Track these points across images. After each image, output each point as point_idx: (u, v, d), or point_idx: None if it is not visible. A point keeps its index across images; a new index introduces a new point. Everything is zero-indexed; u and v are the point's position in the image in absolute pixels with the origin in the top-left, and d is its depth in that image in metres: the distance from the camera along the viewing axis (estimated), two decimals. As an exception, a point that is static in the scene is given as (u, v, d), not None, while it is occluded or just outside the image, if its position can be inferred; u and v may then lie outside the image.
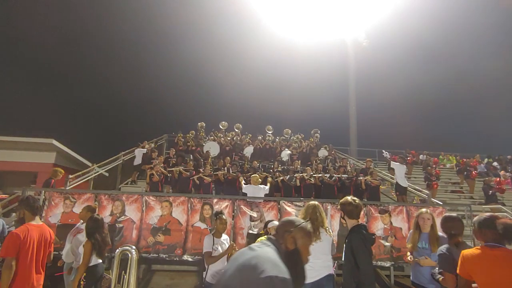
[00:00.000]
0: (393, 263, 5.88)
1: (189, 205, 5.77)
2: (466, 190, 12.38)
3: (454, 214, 3.34)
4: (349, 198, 3.23)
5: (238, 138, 14.06)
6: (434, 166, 13.43)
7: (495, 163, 15.52)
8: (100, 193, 5.85)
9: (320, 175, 9.48)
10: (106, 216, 5.54)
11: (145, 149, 10.92)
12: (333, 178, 9.32)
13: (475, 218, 2.66)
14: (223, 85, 28.57)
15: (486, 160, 16.00)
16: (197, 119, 14.88)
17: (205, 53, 28.36)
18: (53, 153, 10.42)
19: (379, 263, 5.81)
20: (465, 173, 12.68)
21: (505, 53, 27.13)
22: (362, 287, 2.83)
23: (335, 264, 4.27)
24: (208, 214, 5.74)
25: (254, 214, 5.81)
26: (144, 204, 5.71)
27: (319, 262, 3.53)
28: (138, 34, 28.96)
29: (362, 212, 5.96)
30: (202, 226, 5.68)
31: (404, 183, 9.46)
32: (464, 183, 12.80)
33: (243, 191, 7.38)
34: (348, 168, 10.70)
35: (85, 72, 27.52)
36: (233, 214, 5.79)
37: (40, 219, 3.36)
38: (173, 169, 9.17)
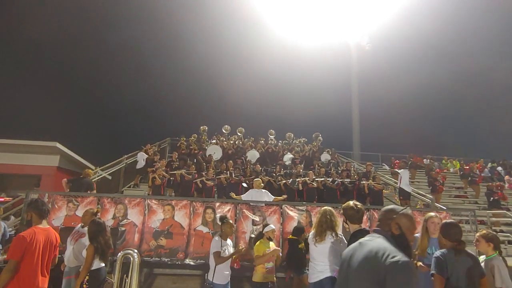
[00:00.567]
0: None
1: (191, 208, 5.77)
2: (470, 195, 12.28)
3: (453, 220, 3.32)
4: (351, 202, 3.24)
5: (241, 142, 14.07)
6: (438, 172, 13.35)
7: (499, 168, 15.39)
8: (102, 196, 5.88)
9: (322, 179, 9.45)
10: (108, 219, 5.56)
11: (147, 156, 10.93)
12: (336, 182, 9.28)
13: None
14: (226, 89, 28.69)
15: (490, 164, 15.87)
16: (199, 122, 14.93)
17: (209, 57, 28.54)
18: (57, 156, 10.46)
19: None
20: (470, 178, 12.58)
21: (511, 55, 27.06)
22: None
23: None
24: (211, 218, 5.73)
25: (257, 218, 5.80)
26: (147, 208, 5.72)
27: (321, 263, 3.56)
28: (143, 38, 29.23)
29: (365, 217, 5.95)
30: (205, 230, 5.67)
31: (408, 188, 9.42)
32: (468, 188, 12.70)
33: (243, 198, 7.22)
34: (352, 172, 10.66)
35: (89, 75, 27.77)
36: (235, 218, 5.77)
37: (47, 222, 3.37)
38: (175, 172, 9.18)
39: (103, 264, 3.98)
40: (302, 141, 14.94)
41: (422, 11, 23.07)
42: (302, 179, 9.33)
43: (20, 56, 24.44)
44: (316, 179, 9.36)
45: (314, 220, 5.76)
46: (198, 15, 27.83)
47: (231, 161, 10.67)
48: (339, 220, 4.03)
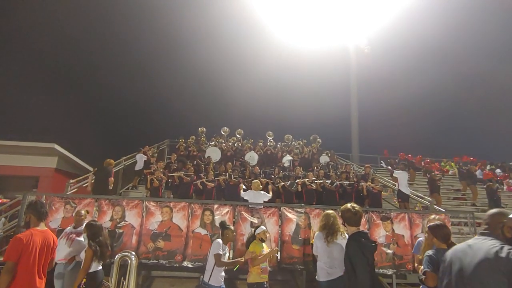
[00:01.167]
0: (395, 271, 5.81)
1: (189, 210, 5.75)
2: (468, 197, 12.29)
3: (440, 221, 3.37)
4: (348, 205, 3.30)
5: (240, 144, 14.05)
6: (436, 173, 13.37)
7: (497, 170, 15.44)
8: (100, 198, 5.84)
9: (321, 181, 9.44)
10: (106, 221, 5.53)
11: (146, 157, 10.91)
12: (335, 184, 9.26)
13: None
14: (224, 91, 28.71)
15: (488, 167, 15.91)
16: (198, 124, 14.92)
17: (208, 59, 28.54)
18: (55, 157, 10.42)
19: (381, 270, 5.74)
20: (469, 179, 12.61)
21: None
22: None
23: None
24: (209, 220, 5.71)
25: (255, 220, 5.78)
26: (145, 210, 5.69)
27: (335, 262, 3.65)
28: (141, 40, 29.25)
29: (363, 219, 5.94)
30: (203, 232, 5.65)
31: (406, 190, 9.41)
32: (467, 190, 12.71)
33: (244, 197, 7.34)
34: (350, 174, 10.65)
35: (88, 77, 27.73)
36: (233, 220, 5.76)
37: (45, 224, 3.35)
38: (174, 174, 9.16)
39: (101, 267, 3.96)
40: (301, 143, 14.94)
41: (421, 14, 23.22)
42: (301, 180, 9.31)
43: (18, 57, 24.40)
44: (315, 181, 9.35)
45: (314, 222, 5.81)
46: (197, 17, 27.89)
47: (229, 163, 10.65)
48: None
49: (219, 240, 4.30)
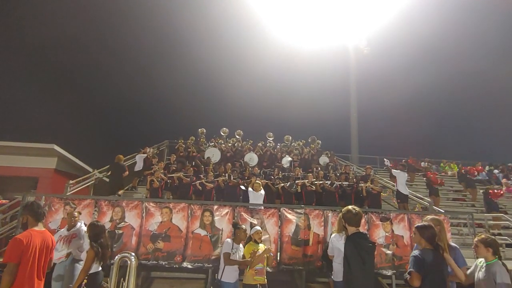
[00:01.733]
0: (394, 271, 5.81)
1: (189, 211, 5.75)
2: (468, 198, 12.31)
3: (426, 222, 3.41)
4: (350, 207, 3.39)
5: (239, 145, 14.06)
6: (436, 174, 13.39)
7: (496, 171, 15.46)
8: (100, 199, 5.85)
9: (321, 182, 9.45)
10: (105, 222, 5.52)
11: (146, 155, 10.93)
12: (334, 185, 9.27)
13: None
14: (224, 92, 28.70)
15: (488, 168, 15.93)
16: (198, 125, 14.90)
17: (208, 59, 28.55)
18: (54, 158, 10.39)
19: (380, 271, 5.75)
20: (467, 180, 12.64)
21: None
22: None
23: None
24: (209, 221, 5.71)
25: (255, 221, 5.78)
26: (144, 211, 5.70)
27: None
28: (141, 40, 29.24)
29: (363, 220, 5.95)
30: (202, 232, 5.65)
31: (405, 190, 9.41)
32: (466, 191, 12.73)
33: (250, 194, 7.38)
34: (350, 175, 10.66)
35: (87, 77, 27.71)
36: (233, 220, 5.76)
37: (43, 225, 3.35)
38: (173, 175, 9.16)
39: (100, 268, 3.97)
40: (301, 144, 14.95)
41: (420, 14, 23.25)
42: (301, 181, 9.32)
43: (18, 58, 24.37)
44: (314, 182, 9.36)
45: (313, 223, 5.82)
46: (197, 17, 27.91)
47: (229, 164, 10.66)
48: None
49: (229, 240, 4.46)
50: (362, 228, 5.89)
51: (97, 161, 11.20)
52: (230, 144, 13.90)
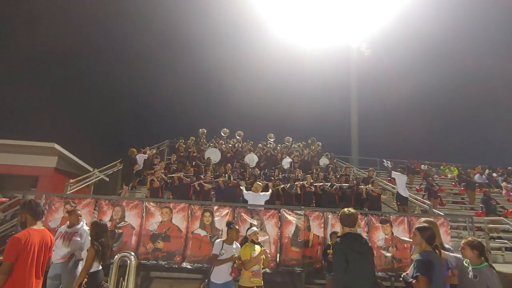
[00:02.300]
0: (394, 274, 5.81)
1: (189, 211, 5.75)
2: (467, 201, 12.31)
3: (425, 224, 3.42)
4: (345, 209, 3.45)
5: (240, 145, 14.06)
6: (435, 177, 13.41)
7: (494, 174, 15.46)
8: (100, 198, 5.84)
9: (321, 183, 9.45)
10: (105, 221, 5.51)
11: (146, 155, 10.92)
12: (334, 187, 9.28)
13: None
14: (225, 92, 28.74)
15: (487, 171, 15.93)
16: (198, 125, 14.92)
17: (209, 60, 28.59)
18: (54, 157, 10.41)
19: (380, 273, 5.75)
20: (466, 183, 12.64)
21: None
22: None
23: None
24: (209, 221, 5.71)
25: (255, 222, 5.79)
26: (144, 210, 5.70)
27: None
28: (142, 40, 29.27)
29: (363, 222, 5.96)
30: (202, 233, 5.65)
31: (405, 193, 9.41)
32: (465, 194, 12.73)
33: (244, 197, 7.37)
34: (350, 177, 10.66)
35: (88, 77, 27.75)
36: (233, 221, 5.76)
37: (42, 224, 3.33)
38: (173, 175, 9.16)
39: (101, 267, 3.96)
40: (301, 145, 14.95)
41: (421, 15, 23.28)
42: (300, 182, 9.32)
43: (19, 57, 24.40)
44: (314, 184, 9.36)
45: (313, 224, 5.82)
46: (198, 17, 27.97)
47: (229, 164, 10.66)
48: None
49: (218, 241, 4.41)
50: (362, 231, 5.89)
51: (97, 160, 11.24)
52: (230, 145, 13.91)
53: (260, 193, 7.24)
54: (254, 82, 28.11)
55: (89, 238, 4.26)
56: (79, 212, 4.68)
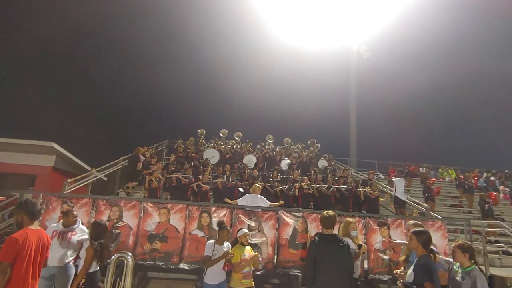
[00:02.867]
0: (391, 276, 5.81)
1: (187, 212, 5.74)
2: (465, 204, 12.34)
3: (421, 228, 3.48)
4: (325, 211, 3.67)
5: (238, 146, 14.07)
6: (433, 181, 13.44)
7: (492, 178, 15.51)
8: (98, 198, 5.83)
9: (318, 185, 9.46)
10: (105, 222, 5.50)
11: (145, 155, 10.91)
12: (331, 189, 9.28)
13: None
14: (224, 92, 28.75)
15: (485, 174, 15.98)
16: (197, 125, 14.91)
17: (208, 60, 28.58)
18: (52, 156, 10.37)
19: (377, 276, 5.75)
20: (466, 187, 12.66)
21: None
22: None
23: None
24: (206, 222, 5.70)
25: (252, 224, 5.78)
26: (142, 211, 5.68)
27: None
28: (142, 39, 29.25)
29: (360, 224, 5.96)
30: (200, 234, 5.64)
31: (402, 196, 9.44)
32: (463, 197, 12.77)
33: (238, 203, 7.16)
34: (349, 179, 10.67)
35: (87, 75, 27.69)
36: (231, 223, 5.75)
37: (39, 224, 3.32)
38: (172, 175, 9.15)
39: (98, 268, 3.95)
40: (300, 147, 14.97)
41: (421, 18, 23.34)
42: (298, 184, 9.33)
43: (17, 55, 24.35)
44: (311, 185, 9.37)
45: (311, 226, 5.82)
46: (198, 17, 27.98)
47: (228, 165, 10.66)
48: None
49: (209, 242, 4.43)
50: (360, 233, 5.89)
51: (95, 160, 11.20)
52: (229, 146, 13.91)
53: (259, 196, 7.20)
54: (254, 83, 28.12)
55: (87, 237, 4.26)
56: (75, 212, 4.63)
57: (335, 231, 5.84)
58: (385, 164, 16.98)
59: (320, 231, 3.71)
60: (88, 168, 11.15)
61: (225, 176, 9.54)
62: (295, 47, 23.58)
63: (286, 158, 13.05)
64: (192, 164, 10.75)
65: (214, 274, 4.22)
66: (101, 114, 27.58)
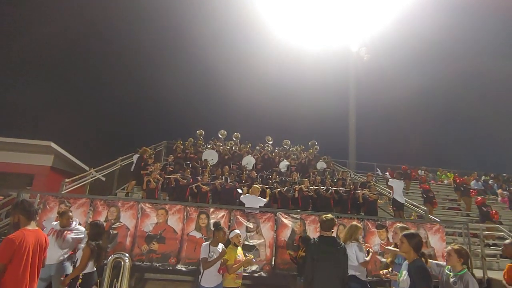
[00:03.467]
0: (389, 279, 5.80)
1: (185, 213, 5.73)
2: (463, 207, 12.35)
3: (412, 230, 3.46)
4: (324, 215, 3.84)
5: (237, 148, 14.06)
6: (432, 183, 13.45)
7: (491, 181, 15.53)
8: (95, 198, 5.81)
9: (316, 187, 9.45)
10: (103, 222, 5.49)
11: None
12: (329, 191, 9.26)
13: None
14: (224, 93, 28.71)
15: (483, 178, 16.01)
16: (196, 126, 14.89)
17: (208, 60, 28.57)
18: (51, 156, 10.34)
19: (375, 279, 5.74)
20: (462, 189, 12.68)
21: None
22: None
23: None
24: (204, 224, 5.69)
25: (250, 225, 5.77)
26: (140, 211, 5.66)
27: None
28: (140, 40, 29.22)
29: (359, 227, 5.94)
30: (198, 235, 5.62)
31: (401, 198, 9.42)
32: (461, 200, 12.77)
33: (242, 199, 7.35)
34: (347, 181, 10.66)
35: (86, 76, 27.65)
36: (229, 224, 5.74)
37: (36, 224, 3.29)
38: (170, 176, 9.13)
39: (95, 269, 3.93)
40: (299, 149, 14.96)
41: (421, 19, 23.39)
42: (298, 186, 9.32)
43: (16, 55, 24.31)
44: (309, 187, 9.36)
45: (309, 228, 5.82)
46: (197, 18, 28.00)
47: (226, 167, 10.64)
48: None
49: (205, 244, 4.41)
50: (359, 235, 5.88)
51: (93, 160, 11.16)
52: (228, 147, 13.89)
53: (258, 197, 7.21)
54: (253, 84, 28.14)
55: (83, 236, 4.25)
56: (71, 213, 4.61)
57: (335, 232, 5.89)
58: (384, 166, 16.98)
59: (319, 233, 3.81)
60: (86, 168, 11.12)
61: (223, 177, 9.52)
62: (295, 48, 23.65)
63: (284, 160, 13.04)
64: (191, 165, 10.72)
65: (210, 277, 4.21)
66: (99, 114, 27.53)
